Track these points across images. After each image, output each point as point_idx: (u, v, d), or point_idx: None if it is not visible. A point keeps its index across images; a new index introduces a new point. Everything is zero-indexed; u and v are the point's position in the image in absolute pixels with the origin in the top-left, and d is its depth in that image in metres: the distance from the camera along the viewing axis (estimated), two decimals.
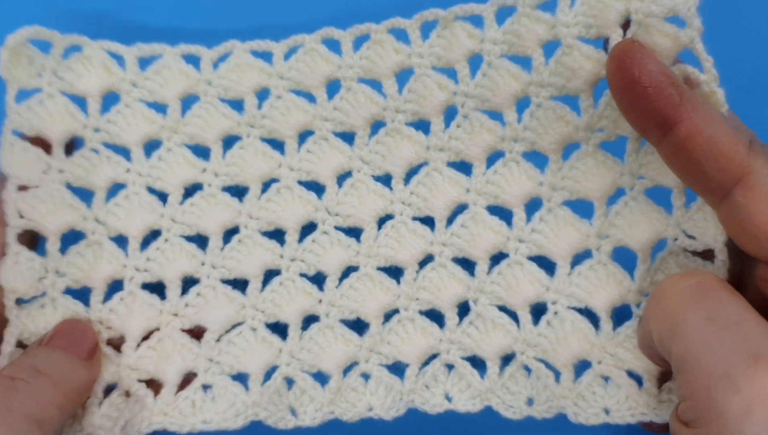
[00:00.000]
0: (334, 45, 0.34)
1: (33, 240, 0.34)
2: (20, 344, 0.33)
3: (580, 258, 0.33)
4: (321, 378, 0.34)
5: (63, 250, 0.34)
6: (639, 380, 0.32)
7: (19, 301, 0.33)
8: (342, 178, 0.35)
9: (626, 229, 0.32)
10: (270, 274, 0.35)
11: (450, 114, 0.34)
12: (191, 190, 0.35)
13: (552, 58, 0.32)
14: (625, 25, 0.30)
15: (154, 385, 0.34)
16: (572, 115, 0.32)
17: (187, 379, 0.34)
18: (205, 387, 0.34)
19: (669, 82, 0.27)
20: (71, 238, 0.35)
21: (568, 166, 0.33)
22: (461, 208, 0.34)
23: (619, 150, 0.32)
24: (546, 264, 0.33)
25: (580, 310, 0.33)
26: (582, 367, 0.33)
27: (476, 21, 0.33)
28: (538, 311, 0.33)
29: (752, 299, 0.28)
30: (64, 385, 0.31)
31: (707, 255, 0.31)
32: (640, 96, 0.28)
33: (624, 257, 0.33)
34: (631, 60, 0.28)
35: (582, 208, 0.33)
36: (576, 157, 0.32)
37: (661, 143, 0.28)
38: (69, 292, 0.34)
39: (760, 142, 0.28)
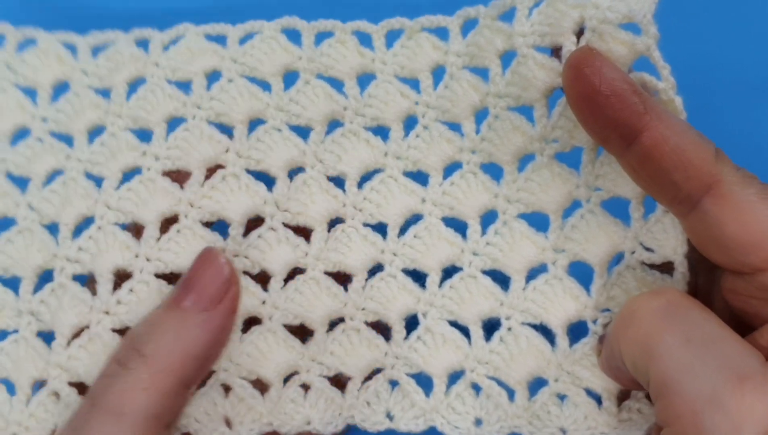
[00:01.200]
0: (294, 36, 0.34)
1: None
2: None
3: (535, 272, 0.32)
4: (260, 386, 0.32)
5: None
6: (597, 399, 0.30)
7: None
8: (293, 173, 0.33)
9: (583, 242, 0.31)
10: None
11: (410, 123, 0.34)
12: (130, 175, 0.33)
13: (508, 68, 0.32)
14: (579, 33, 0.30)
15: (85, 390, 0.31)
16: (528, 125, 0.32)
17: None
18: None
19: (631, 90, 0.27)
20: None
21: (524, 178, 0.32)
22: (415, 219, 0.33)
23: (574, 161, 0.31)
24: (500, 278, 0.32)
25: (535, 326, 0.31)
26: (537, 385, 0.31)
27: (441, 33, 0.33)
28: (491, 327, 0.32)
29: (718, 313, 0.27)
30: (167, 364, 0.28)
31: (665, 268, 0.30)
32: (601, 106, 0.27)
33: (580, 272, 0.32)
34: (590, 68, 0.27)
35: (538, 221, 0.32)
36: (531, 169, 0.32)
37: (625, 153, 0.28)
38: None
39: (722, 151, 0.28)
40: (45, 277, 0.33)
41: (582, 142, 0.31)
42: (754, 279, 0.27)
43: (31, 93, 0.34)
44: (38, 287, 0.33)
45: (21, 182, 0.34)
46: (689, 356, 0.25)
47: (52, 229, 0.33)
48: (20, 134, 0.34)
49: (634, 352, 0.27)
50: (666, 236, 0.30)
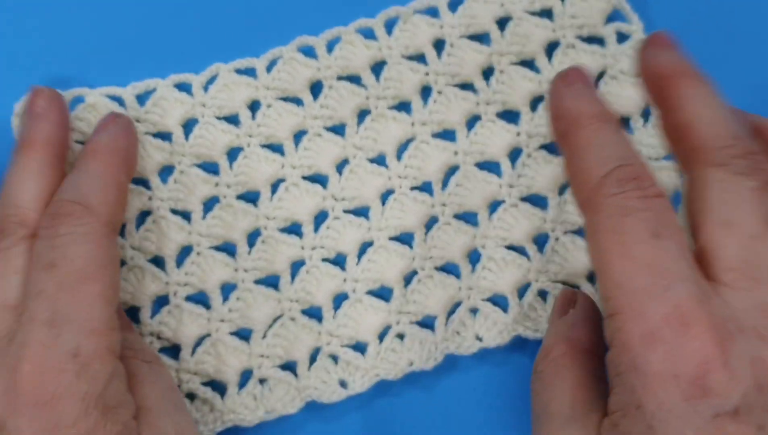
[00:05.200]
0: (309, 51, 0.39)
1: None
2: None
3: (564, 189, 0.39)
4: (361, 347, 0.37)
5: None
6: None
7: None
8: (340, 166, 0.39)
9: None
10: (296, 266, 0.38)
11: (427, 93, 0.39)
12: (210, 205, 0.38)
13: (506, 30, 0.38)
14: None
15: (217, 386, 0.36)
16: (532, 73, 0.38)
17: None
18: (261, 381, 0.36)
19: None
20: None
21: (538, 116, 0.38)
22: (452, 171, 0.39)
23: None
24: (539, 201, 0.39)
25: (577, 232, 0.38)
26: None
27: (433, 13, 0.39)
28: (542, 242, 0.38)
29: None
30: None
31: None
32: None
33: None
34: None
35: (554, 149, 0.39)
36: (543, 108, 0.38)
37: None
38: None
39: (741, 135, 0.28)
40: (158, 303, 0.37)
41: None
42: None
43: None
44: (154, 312, 0.37)
45: None
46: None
47: (156, 262, 0.37)
48: None
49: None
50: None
